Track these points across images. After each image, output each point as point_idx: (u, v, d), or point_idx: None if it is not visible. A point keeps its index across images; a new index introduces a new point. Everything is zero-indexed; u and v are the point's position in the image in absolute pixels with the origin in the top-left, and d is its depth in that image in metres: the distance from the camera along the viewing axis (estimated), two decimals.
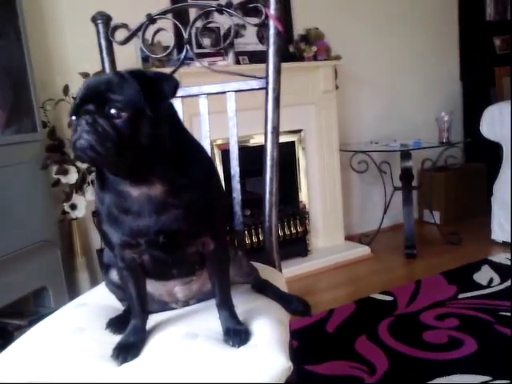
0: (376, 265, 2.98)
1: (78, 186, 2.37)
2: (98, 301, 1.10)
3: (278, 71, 1.23)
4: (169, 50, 1.29)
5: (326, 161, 3.11)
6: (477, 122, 3.08)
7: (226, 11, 1.21)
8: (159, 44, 2.03)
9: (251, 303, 1.02)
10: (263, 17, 1.19)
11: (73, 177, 2.31)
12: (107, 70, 1.31)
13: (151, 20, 1.24)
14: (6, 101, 2.02)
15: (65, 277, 2.28)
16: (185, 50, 1.27)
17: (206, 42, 2.64)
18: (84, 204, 2.37)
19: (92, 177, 2.28)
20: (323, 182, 3.13)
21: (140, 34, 1.25)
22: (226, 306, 0.92)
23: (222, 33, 2.73)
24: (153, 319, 0.97)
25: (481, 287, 2.41)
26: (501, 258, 2.79)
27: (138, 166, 0.79)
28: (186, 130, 0.91)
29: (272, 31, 1.20)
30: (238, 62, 2.78)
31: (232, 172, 1.31)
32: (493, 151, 3.22)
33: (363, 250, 3.13)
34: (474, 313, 2.12)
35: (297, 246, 3.00)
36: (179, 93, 1.28)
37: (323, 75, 2.99)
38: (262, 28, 1.24)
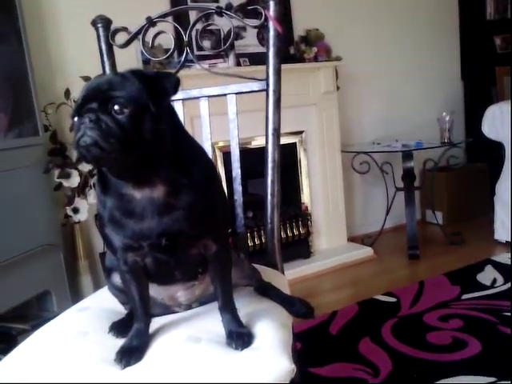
0: (379, 266, 2.97)
1: (81, 190, 2.38)
2: (101, 304, 1.10)
3: (278, 73, 1.23)
4: (169, 53, 1.29)
5: (328, 162, 3.11)
6: (478, 121, 3.07)
7: (226, 13, 1.21)
8: (160, 47, 2.03)
9: (254, 306, 1.01)
10: (263, 18, 1.19)
11: (75, 180, 2.32)
12: (107, 72, 1.31)
13: (151, 23, 1.24)
14: (8, 105, 2.02)
15: (68, 280, 2.28)
16: (185, 53, 1.27)
17: (207, 44, 2.64)
18: (86, 207, 2.37)
19: (94, 180, 2.28)
20: (325, 184, 3.13)
21: (140, 37, 1.25)
22: (228, 309, 0.92)
23: (222, 35, 2.73)
24: (155, 322, 0.97)
25: (484, 288, 2.40)
26: (504, 258, 2.78)
27: (141, 164, 0.79)
28: (187, 132, 0.91)
29: (272, 33, 1.20)
30: (238, 64, 2.78)
31: (233, 174, 1.31)
32: (495, 151, 3.22)
33: (366, 252, 3.12)
34: (477, 313, 2.12)
35: (299, 248, 3.00)
36: (180, 95, 1.29)
37: (324, 76, 2.99)
38: (262, 30, 1.24)
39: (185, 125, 0.96)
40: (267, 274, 1.16)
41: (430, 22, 3.77)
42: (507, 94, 3.63)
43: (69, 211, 2.37)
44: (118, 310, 1.05)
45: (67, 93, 2.32)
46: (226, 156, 2.62)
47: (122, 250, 0.87)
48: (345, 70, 3.22)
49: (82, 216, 2.39)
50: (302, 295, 1.13)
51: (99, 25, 1.27)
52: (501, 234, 3.07)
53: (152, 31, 1.26)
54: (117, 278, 0.98)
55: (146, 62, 2.49)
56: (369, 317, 2.20)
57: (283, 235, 2.90)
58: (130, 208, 0.83)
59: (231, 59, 2.72)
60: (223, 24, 1.30)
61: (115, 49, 1.30)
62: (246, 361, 0.83)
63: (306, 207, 3.08)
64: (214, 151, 2.65)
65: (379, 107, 3.60)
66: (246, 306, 1.00)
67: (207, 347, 0.87)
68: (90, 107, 0.76)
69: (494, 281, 2.48)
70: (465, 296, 2.32)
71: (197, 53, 2.49)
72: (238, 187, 1.31)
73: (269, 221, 1.26)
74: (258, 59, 2.74)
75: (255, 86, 1.27)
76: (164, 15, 1.26)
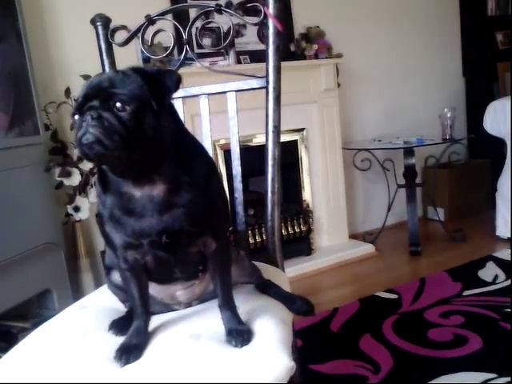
0: (380, 263, 2.97)
1: (82, 188, 2.38)
2: (101, 302, 1.10)
3: (278, 70, 1.23)
4: (168, 51, 1.29)
5: (329, 159, 3.11)
6: (480, 118, 3.06)
7: (225, 11, 1.21)
8: (160, 45, 2.03)
9: (254, 303, 1.01)
10: (262, 16, 1.19)
11: (76, 179, 2.32)
12: (107, 71, 1.31)
13: (150, 21, 1.24)
14: (8, 104, 2.02)
15: (69, 279, 2.29)
16: (184, 51, 1.27)
17: (207, 42, 2.64)
18: (87, 206, 2.38)
19: (95, 178, 2.29)
20: (326, 181, 3.13)
21: (140, 35, 1.25)
22: (228, 307, 0.92)
23: (222, 33, 2.73)
24: (155, 320, 0.97)
25: (486, 284, 2.40)
26: (505, 254, 2.78)
27: (142, 162, 0.79)
28: (187, 129, 0.91)
29: (271, 30, 1.20)
30: (239, 62, 2.78)
31: (234, 172, 1.31)
32: (497, 147, 3.21)
33: (367, 249, 3.12)
34: (478, 310, 2.12)
35: (301, 245, 3.00)
36: (180, 93, 1.29)
37: (325, 73, 2.98)
38: (262, 27, 1.24)
39: (185, 123, 0.96)
40: (268, 271, 1.16)
41: (431, 19, 3.76)
42: (509, 90, 3.62)
43: (70, 210, 2.38)
44: (118, 307, 1.05)
45: (67, 92, 2.32)
46: (228, 154, 2.62)
47: (122, 248, 0.87)
48: (345, 67, 3.22)
49: (83, 214, 2.39)
50: (304, 292, 1.13)
51: (98, 23, 1.27)
52: (502, 230, 3.06)
53: (152, 29, 1.26)
54: (116, 276, 0.98)
55: (146, 60, 2.49)
56: (370, 314, 2.20)
57: (284, 232, 2.90)
58: (131, 206, 0.83)
59: (231, 57, 2.71)
60: (223, 22, 1.30)
61: (116, 47, 1.30)
62: (245, 358, 0.83)
63: (308, 204, 3.08)
64: (214, 149, 2.65)
65: (380, 104, 3.60)
66: (246, 303, 1.00)
67: (207, 345, 0.87)
68: (92, 105, 0.76)
69: (496, 277, 2.47)
70: (466, 292, 2.32)
71: (197, 51, 2.49)
72: (238, 185, 1.31)
73: (269, 218, 1.26)
74: (259, 57, 2.74)
75: (255, 83, 1.27)
76: (163, 13, 1.26)
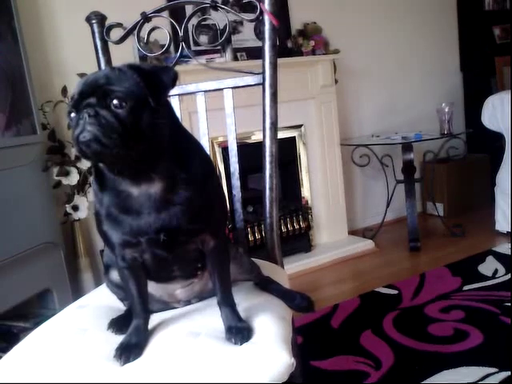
0: (380, 259, 2.97)
1: (80, 187, 2.38)
2: (101, 301, 1.10)
3: (274, 66, 1.22)
4: (164, 48, 1.29)
5: (328, 155, 3.11)
6: (478, 112, 3.06)
7: (221, 7, 1.21)
8: (156, 42, 2.03)
9: (253, 300, 1.01)
10: (258, 12, 1.18)
11: (74, 178, 2.32)
12: (102, 69, 1.30)
13: (146, 18, 1.23)
14: (5, 103, 2.01)
15: (68, 278, 2.28)
16: (180, 48, 1.27)
17: (203, 39, 2.63)
18: (86, 205, 2.37)
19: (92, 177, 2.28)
20: (325, 177, 3.12)
21: (135, 32, 1.25)
22: (227, 304, 0.92)
23: (218, 29, 2.72)
24: (154, 318, 0.97)
25: (486, 278, 2.40)
26: (505, 248, 2.78)
27: (140, 160, 0.78)
28: (184, 127, 0.90)
29: (267, 26, 1.20)
30: (235, 59, 2.77)
31: (231, 169, 1.31)
32: (495, 141, 3.21)
33: (367, 244, 3.12)
34: (479, 304, 2.12)
35: (300, 242, 3.00)
36: (176, 90, 1.29)
37: (322, 69, 2.98)
38: (259, 23, 1.23)
39: (182, 120, 0.96)
40: (267, 268, 1.16)
41: (428, 14, 3.75)
42: (507, 85, 3.62)
43: (68, 209, 2.37)
44: (118, 306, 1.05)
45: (64, 90, 2.32)
46: (226, 151, 2.62)
47: (120, 247, 0.86)
48: (343, 63, 3.21)
49: (82, 214, 2.39)
50: (304, 289, 1.13)
51: (93, 21, 1.26)
52: (502, 224, 3.07)
53: (147, 27, 1.25)
54: (115, 275, 0.98)
55: (142, 57, 2.48)
56: (370, 309, 2.20)
57: (284, 229, 2.90)
58: (128, 204, 0.82)
59: (228, 54, 2.71)
60: (219, 18, 1.30)
61: (112, 45, 1.30)
62: (245, 355, 0.83)
63: (306, 201, 3.08)
64: (212, 146, 2.64)
65: (378, 100, 3.59)
66: (245, 300, 1.00)
67: (206, 342, 0.87)
68: (88, 102, 0.75)
69: (496, 271, 2.47)
70: (466, 287, 2.32)
71: (194, 48, 2.48)
72: (236, 182, 1.31)
73: (268, 215, 1.26)
74: (256, 54, 2.73)
75: (252, 80, 1.26)
76: (159, 10, 1.25)
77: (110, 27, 1.27)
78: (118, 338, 0.91)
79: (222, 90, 1.29)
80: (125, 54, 1.93)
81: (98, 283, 2.43)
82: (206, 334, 0.89)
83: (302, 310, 1.08)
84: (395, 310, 2.15)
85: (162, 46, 1.29)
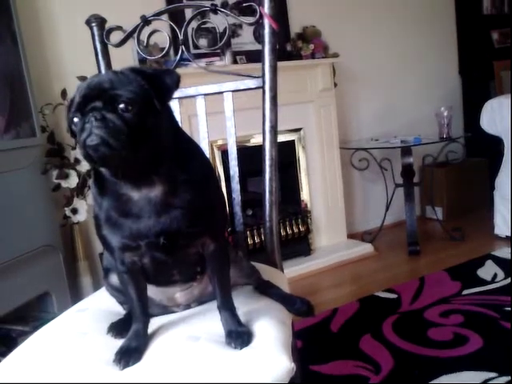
0: (379, 262, 2.97)
1: (79, 190, 2.37)
2: (100, 305, 1.09)
3: (274, 70, 1.22)
4: (164, 52, 1.29)
5: (327, 159, 3.11)
6: (477, 116, 3.06)
7: (221, 11, 1.21)
8: (156, 45, 2.03)
9: (253, 304, 1.01)
10: (257, 15, 1.18)
11: (73, 181, 2.31)
12: (103, 72, 1.30)
13: (146, 21, 1.23)
14: (4, 106, 2.01)
15: (68, 281, 2.27)
16: (180, 51, 1.27)
17: (203, 42, 2.64)
18: (85, 208, 2.37)
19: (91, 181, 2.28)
20: (324, 181, 3.12)
21: (135, 35, 1.25)
22: (227, 308, 0.91)
23: (218, 33, 2.73)
24: (154, 322, 0.96)
25: (485, 283, 2.40)
26: (504, 252, 2.78)
27: (144, 163, 0.78)
28: (183, 130, 0.91)
29: (267, 30, 1.20)
30: (235, 62, 2.77)
31: (231, 172, 1.31)
32: (494, 145, 3.21)
33: (366, 248, 3.12)
34: (478, 309, 2.11)
35: (299, 246, 3.00)
36: (176, 94, 1.28)
37: (321, 73, 2.98)
38: (258, 27, 1.23)
39: (182, 124, 0.96)
40: (267, 272, 1.16)
41: (426, 18, 3.76)
42: (505, 89, 3.63)
43: (68, 212, 2.37)
44: (117, 310, 1.05)
45: (64, 93, 2.31)
46: (225, 154, 2.62)
47: (120, 250, 0.86)
48: (342, 67, 3.22)
49: (81, 217, 2.38)
50: (303, 293, 1.13)
51: (93, 24, 1.26)
52: (501, 228, 3.07)
53: (147, 30, 1.25)
54: (114, 278, 0.97)
55: (142, 60, 2.48)
56: (369, 314, 2.20)
57: (283, 233, 2.90)
58: (128, 208, 0.82)
59: (228, 57, 2.71)
60: (219, 22, 1.30)
61: (112, 48, 1.30)
62: (245, 360, 0.83)
63: (306, 205, 3.08)
64: (212, 150, 2.64)
65: (377, 103, 3.60)
66: (245, 304, 1.00)
67: (206, 347, 0.86)
68: (94, 106, 0.75)
69: (495, 276, 2.47)
70: (465, 291, 2.31)
71: (194, 51, 2.47)
72: (235, 185, 1.31)
73: (267, 219, 1.26)
74: (255, 57, 2.73)
75: (251, 83, 1.26)
76: (159, 13, 1.25)
77: (110, 30, 1.27)
78: (118, 342, 0.90)
79: (221, 93, 1.29)
80: (124, 57, 1.94)
81: (97, 286, 2.42)
82: (205, 339, 0.89)
83: (301, 314, 1.08)
84: (394, 314, 2.15)
85: (162, 49, 1.30)
